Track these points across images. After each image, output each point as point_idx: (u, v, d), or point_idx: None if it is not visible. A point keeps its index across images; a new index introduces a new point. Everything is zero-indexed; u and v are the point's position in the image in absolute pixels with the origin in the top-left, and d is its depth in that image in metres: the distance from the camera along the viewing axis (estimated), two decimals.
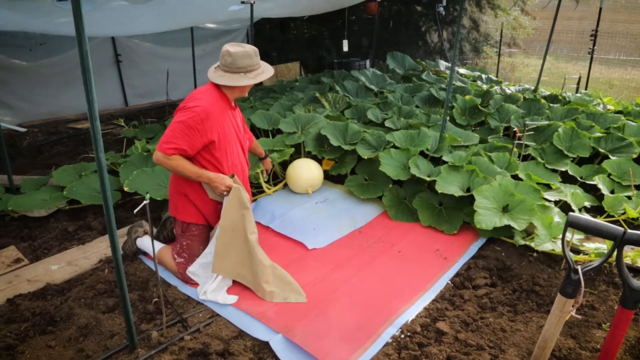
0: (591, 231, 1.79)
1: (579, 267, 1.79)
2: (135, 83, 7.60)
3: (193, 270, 2.72)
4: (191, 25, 7.05)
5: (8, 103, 6.24)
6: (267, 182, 3.96)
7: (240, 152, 2.85)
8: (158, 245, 2.95)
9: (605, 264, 2.90)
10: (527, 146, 4.24)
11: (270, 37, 9.49)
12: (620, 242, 1.70)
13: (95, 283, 2.75)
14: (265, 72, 2.67)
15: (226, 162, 2.69)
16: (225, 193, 2.59)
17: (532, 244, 2.96)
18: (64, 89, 6.64)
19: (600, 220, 1.80)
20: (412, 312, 2.53)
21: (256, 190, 3.94)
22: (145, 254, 3.07)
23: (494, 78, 7.32)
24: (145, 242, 2.99)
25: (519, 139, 4.09)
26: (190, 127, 2.47)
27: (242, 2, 5.16)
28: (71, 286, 2.76)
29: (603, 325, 2.41)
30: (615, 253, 1.74)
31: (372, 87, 6.15)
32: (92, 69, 1.69)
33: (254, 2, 5.22)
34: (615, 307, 2.47)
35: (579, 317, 2.35)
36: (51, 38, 6.31)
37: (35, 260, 3.05)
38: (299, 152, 4.34)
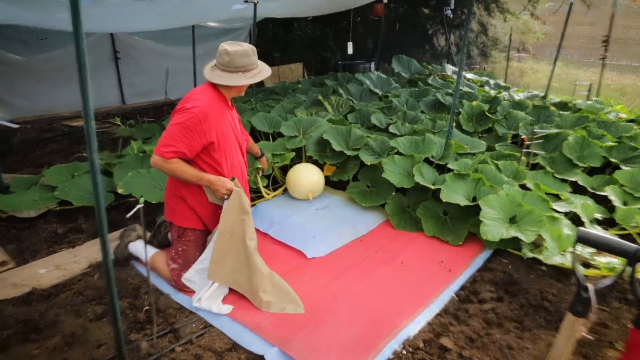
0: (602, 247, 1.73)
1: (589, 285, 1.69)
2: (134, 81, 7.54)
3: (188, 277, 2.66)
4: (193, 24, 7.00)
5: (1, 98, 6.16)
6: (266, 186, 3.88)
7: (238, 153, 2.81)
8: (151, 250, 2.89)
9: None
10: (535, 155, 4.20)
11: (273, 37, 9.44)
12: (632, 259, 1.62)
13: (83, 289, 2.69)
14: (263, 71, 2.63)
15: (225, 163, 2.65)
16: (225, 196, 2.55)
17: (541, 257, 2.89)
18: (60, 85, 6.58)
19: (611, 236, 1.72)
20: (414, 326, 2.46)
21: (255, 195, 3.87)
22: (137, 259, 3.00)
23: (502, 83, 7.28)
24: (138, 247, 2.93)
25: (528, 147, 4.06)
26: (188, 129, 2.43)
27: (246, 1, 5.11)
28: (58, 291, 2.70)
29: (616, 344, 2.33)
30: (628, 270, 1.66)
31: (377, 90, 6.12)
32: (90, 65, 1.63)
33: (257, 2, 5.18)
34: (629, 326, 2.37)
35: (591, 337, 2.25)
36: (50, 33, 6.26)
37: (22, 263, 2.99)
38: (300, 156, 4.29)
